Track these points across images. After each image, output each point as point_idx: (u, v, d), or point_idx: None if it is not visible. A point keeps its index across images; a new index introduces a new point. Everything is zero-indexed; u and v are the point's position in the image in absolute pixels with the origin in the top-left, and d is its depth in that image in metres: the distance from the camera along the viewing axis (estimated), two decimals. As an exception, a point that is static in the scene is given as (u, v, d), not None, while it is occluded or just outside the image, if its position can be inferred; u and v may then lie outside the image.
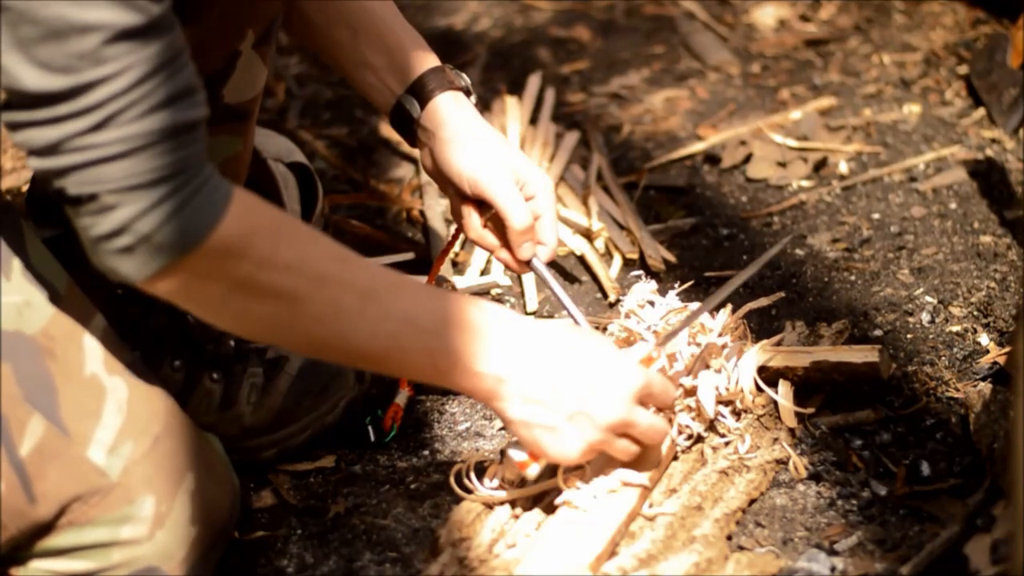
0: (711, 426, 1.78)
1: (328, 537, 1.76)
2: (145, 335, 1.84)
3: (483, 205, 1.79)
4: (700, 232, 2.45)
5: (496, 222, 1.79)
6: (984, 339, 2.02)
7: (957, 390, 1.91)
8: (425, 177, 2.51)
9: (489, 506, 1.66)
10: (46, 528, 1.51)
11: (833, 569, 1.61)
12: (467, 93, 1.79)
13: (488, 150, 1.74)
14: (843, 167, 2.60)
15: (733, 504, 1.69)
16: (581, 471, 1.64)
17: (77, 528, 1.52)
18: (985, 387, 1.84)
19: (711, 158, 2.70)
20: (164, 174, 1.36)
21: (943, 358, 1.98)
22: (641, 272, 1.85)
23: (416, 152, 2.20)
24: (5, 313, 1.50)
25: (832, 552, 1.64)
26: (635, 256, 2.32)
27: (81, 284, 1.59)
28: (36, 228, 1.79)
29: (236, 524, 1.71)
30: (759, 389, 1.81)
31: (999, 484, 1.65)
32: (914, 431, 1.84)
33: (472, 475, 1.66)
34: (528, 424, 1.55)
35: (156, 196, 1.36)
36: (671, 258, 2.35)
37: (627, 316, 1.85)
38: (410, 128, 1.78)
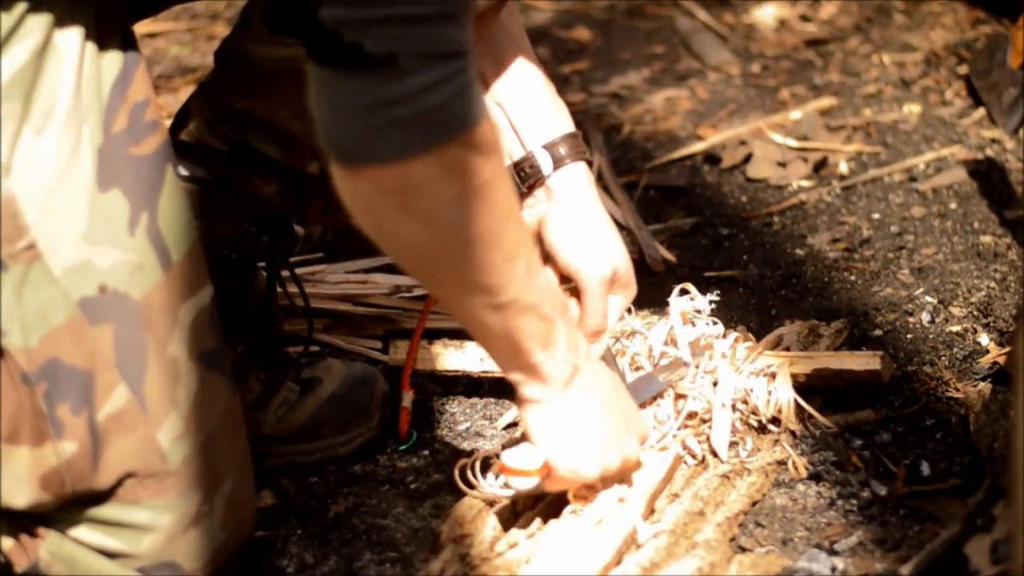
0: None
1: (328, 537, 1.76)
2: (232, 309, 1.84)
3: (565, 276, 1.80)
4: (700, 232, 2.45)
5: (572, 293, 1.78)
6: (984, 339, 2.02)
7: (957, 390, 1.91)
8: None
9: (490, 504, 1.66)
10: (97, 497, 1.51)
11: (833, 569, 1.61)
12: (590, 164, 1.78)
13: (597, 243, 1.72)
14: (843, 167, 2.60)
15: (735, 507, 1.69)
16: (594, 489, 1.65)
17: (122, 505, 1.52)
18: (985, 387, 1.83)
19: (711, 158, 2.70)
20: (459, 49, 1.33)
21: (943, 358, 1.98)
22: (684, 286, 1.87)
23: None
24: (120, 272, 1.48)
25: (832, 552, 1.64)
26: (635, 256, 2.32)
27: (206, 231, 1.57)
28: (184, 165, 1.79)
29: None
30: (797, 405, 1.82)
31: (999, 484, 1.65)
32: (914, 431, 1.84)
33: (477, 471, 1.66)
34: (569, 427, 1.57)
35: (450, 70, 1.32)
36: (671, 258, 2.36)
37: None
38: (528, 182, 1.75)
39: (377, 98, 1.31)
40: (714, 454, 1.77)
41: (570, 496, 1.64)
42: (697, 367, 1.80)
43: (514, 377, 1.55)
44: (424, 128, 1.33)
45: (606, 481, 1.64)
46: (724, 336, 1.84)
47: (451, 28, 1.32)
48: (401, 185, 1.36)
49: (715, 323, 1.86)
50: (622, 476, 1.66)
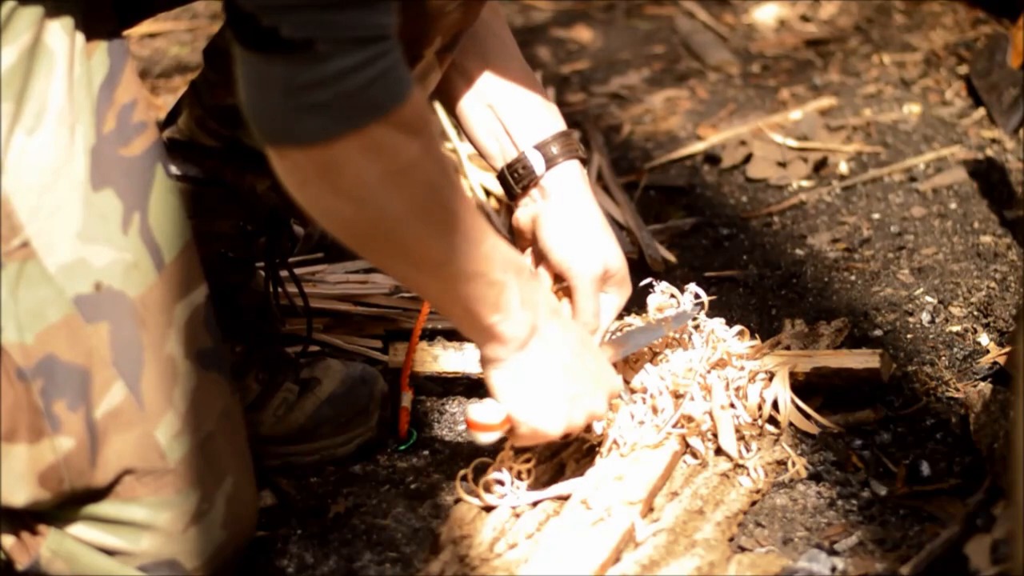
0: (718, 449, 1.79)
1: (328, 537, 1.76)
2: (231, 308, 1.84)
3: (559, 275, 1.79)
4: (700, 232, 2.45)
5: (564, 292, 1.78)
6: (984, 339, 2.02)
7: (957, 390, 1.91)
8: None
9: (487, 509, 1.66)
10: (96, 494, 1.52)
11: (833, 569, 1.61)
12: (584, 163, 1.78)
13: (588, 241, 1.73)
14: (843, 167, 2.60)
15: (734, 507, 1.69)
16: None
17: (121, 502, 1.52)
18: (985, 387, 1.83)
19: (711, 158, 2.70)
20: (380, 34, 1.34)
21: (943, 358, 1.98)
22: (650, 279, 1.85)
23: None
24: (115, 270, 1.49)
25: (832, 552, 1.64)
26: (635, 256, 2.32)
27: (202, 229, 1.57)
28: (176, 164, 1.80)
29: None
30: (795, 406, 1.82)
31: (999, 484, 1.65)
32: (914, 431, 1.84)
33: (477, 480, 1.66)
34: (529, 385, 1.58)
35: (369, 54, 1.33)
36: (671, 258, 2.35)
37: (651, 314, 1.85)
38: (522, 183, 1.76)
39: (295, 82, 1.32)
40: (726, 455, 1.76)
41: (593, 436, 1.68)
42: (695, 317, 1.80)
43: (472, 337, 1.58)
44: (342, 112, 1.34)
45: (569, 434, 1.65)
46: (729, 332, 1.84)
47: (369, 13, 1.32)
48: (325, 165, 1.37)
49: (696, 305, 1.84)
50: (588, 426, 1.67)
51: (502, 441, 1.66)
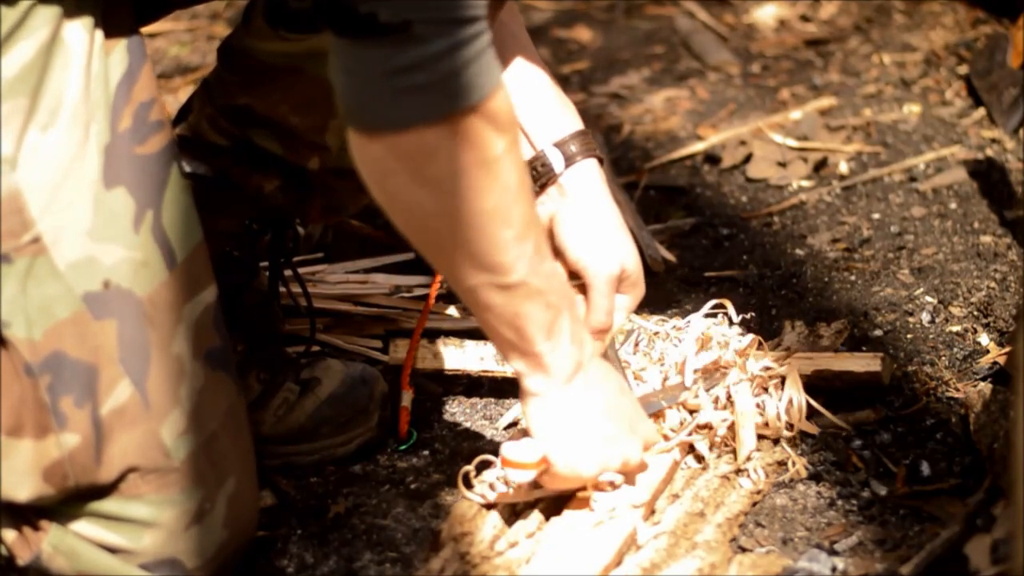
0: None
1: (328, 537, 1.76)
2: (233, 307, 1.84)
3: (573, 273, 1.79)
4: (700, 232, 2.45)
5: (579, 290, 1.78)
6: (984, 339, 2.02)
7: (957, 390, 1.91)
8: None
9: (490, 507, 1.66)
10: (99, 491, 1.52)
11: (833, 569, 1.61)
12: (601, 162, 1.78)
13: (606, 240, 1.72)
14: (843, 167, 2.60)
15: (735, 508, 1.69)
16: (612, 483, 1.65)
17: (124, 499, 1.52)
18: (985, 387, 1.83)
19: (711, 158, 2.70)
20: (475, 14, 1.34)
21: (943, 358, 1.98)
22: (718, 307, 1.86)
23: None
24: (124, 269, 1.49)
25: (832, 552, 1.64)
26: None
27: (207, 228, 1.57)
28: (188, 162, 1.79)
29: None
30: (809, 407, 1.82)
31: (999, 484, 1.65)
32: (914, 431, 1.84)
33: (478, 476, 1.66)
34: (570, 425, 1.57)
35: (465, 35, 1.33)
36: (671, 258, 2.35)
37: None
38: (541, 181, 1.75)
39: (392, 65, 1.33)
40: (728, 457, 1.77)
41: (589, 487, 1.64)
42: (696, 396, 1.79)
43: (517, 367, 1.55)
44: (439, 94, 1.34)
45: (606, 484, 1.64)
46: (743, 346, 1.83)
47: None
48: (415, 151, 1.37)
49: (743, 334, 1.84)
50: (624, 477, 1.66)
51: (540, 481, 1.64)
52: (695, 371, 1.81)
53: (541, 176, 1.73)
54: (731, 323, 1.87)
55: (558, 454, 1.58)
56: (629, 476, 1.66)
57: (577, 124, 1.75)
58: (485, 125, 1.38)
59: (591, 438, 1.59)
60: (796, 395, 1.80)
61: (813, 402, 1.82)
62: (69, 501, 1.52)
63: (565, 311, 1.53)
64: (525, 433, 1.61)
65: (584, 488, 1.64)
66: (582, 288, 1.73)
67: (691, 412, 1.78)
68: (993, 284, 2.14)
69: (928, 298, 2.13)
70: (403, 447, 1.92)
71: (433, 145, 1.37)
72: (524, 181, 1.46)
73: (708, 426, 1.76)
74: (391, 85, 1.34)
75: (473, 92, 1.35)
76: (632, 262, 1.73)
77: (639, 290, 1.76)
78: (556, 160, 1.72)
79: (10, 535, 1.56)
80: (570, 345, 1.54)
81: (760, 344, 1.85)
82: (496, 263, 1.46)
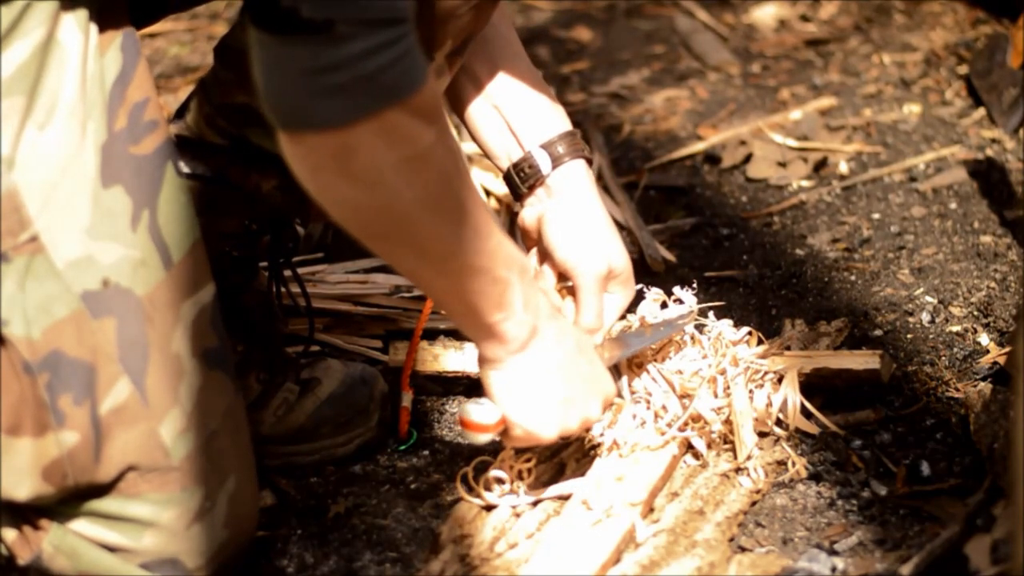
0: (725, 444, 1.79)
1: (328, 537, 1.76)
2: (233, 307, 1.84)
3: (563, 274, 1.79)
4: (700, 232, 2.45)
5: (568, 291, 1.78)
6: (984, 339, 2.02)
7: (957, 390, 1.91)
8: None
9: (488, 508, 1.66)
10: (99, 490, 1.52)
11: (833, 569, 1.61)
12: (589, 162, 1.78)
13: (593, 240, 1.73)
14: (843, 167, 2.60)
15: (735, 507, 1.69)
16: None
17: (124, 498, 1.53)
18: (985, 387, 1.83)
19: (711, 158, 2.70)
20: (398, 16, 1.33)
21: (943, 358, 1.98)
22: (641, 286, 1.84)
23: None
24: (123, 268, 1.49)
25: (832, 552, 1.64)
26: (635, 256, 2.32)
27: (206, 228, 1.58)
28: (186, 162, 1.80)
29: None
30: (803, 408, 1.82)
31: (999, 484, 1.65)
32: (914, 431, 1.85)
33: (477, 478, 1.66)
34: (526, 388, 1.58)
35: (388, 36, 1.33)
36: (671, 258, 2.35)
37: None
38: (528, 182, 1.76)
39: (314, 64, 1.32)
40: (728, 455, 1.76)
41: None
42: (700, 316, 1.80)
43: (471, 335, 1.57)
44: (361, 95, 1.34)
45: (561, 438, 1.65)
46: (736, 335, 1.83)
47: None
48: (340, 150, 1.37)
49: (736, 328, 1.84)
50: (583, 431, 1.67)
51: (501, 441, 1.65)
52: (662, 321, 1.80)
53: (529, 178, 1.73)
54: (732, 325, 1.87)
55: (516, 417, 1.60)
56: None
57: (565, 125, 1.75)
58: (411, 119, 1.37)
59: (548, 402, 1.60)
60: (792, 394, 1.80)
61: (809, 405, 1.82)
62: (69, 500, 1.52)
63: (515, 281, 1.53)
64: (485, 395, 1.62)
65: (567, 440, 1.66)
66: (571, 290, 1.73)
67: (683, 398, 1.77)
68: (993, 284, 2.14)
69: (928, 298, 2.13)
70: (403, 447, 1.92)
71: (357, 144, 1.36)
72: (459, 165, 1.45)
73: (700, 418, 1.76)
74: (313, 84, 1.33)
75: (396, 91, 1.35)
76: (620, 261, 1.73)
77: (629, 289, 1.76)
78: (543, 161, 1.73)
79: (10, 534, 1.56)
80: (523, 313, 1.55)
81: (760, 340, 1.84)
82: (433, 250, 1.47)
